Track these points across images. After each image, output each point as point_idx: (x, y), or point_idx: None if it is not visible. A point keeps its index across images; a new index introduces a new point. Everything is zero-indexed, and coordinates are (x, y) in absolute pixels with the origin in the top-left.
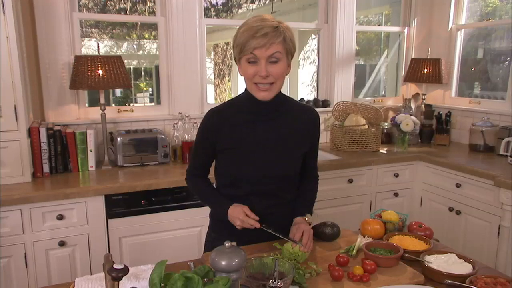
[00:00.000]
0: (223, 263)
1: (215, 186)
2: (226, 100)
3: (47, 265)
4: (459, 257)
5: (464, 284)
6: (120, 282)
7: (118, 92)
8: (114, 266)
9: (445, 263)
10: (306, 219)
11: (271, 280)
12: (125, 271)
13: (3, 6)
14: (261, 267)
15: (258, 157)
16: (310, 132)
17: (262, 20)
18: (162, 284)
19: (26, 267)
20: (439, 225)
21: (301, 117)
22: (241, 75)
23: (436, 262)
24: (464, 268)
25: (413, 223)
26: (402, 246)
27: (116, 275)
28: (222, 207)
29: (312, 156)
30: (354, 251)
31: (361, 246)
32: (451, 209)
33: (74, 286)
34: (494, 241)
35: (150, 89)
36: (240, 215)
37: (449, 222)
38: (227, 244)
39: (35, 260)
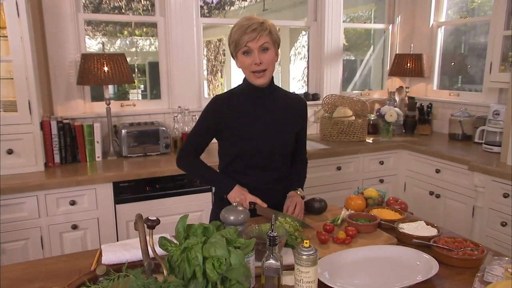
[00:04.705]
0: (232, 218)
1: (218, 167)
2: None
3: (61, 247)
4: (427, 224)
5: (428, 243)
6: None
7: (111, 89)
8: (149, 217)
9: (415, 228)
10: (298, 193)
11: (269, 231)
12: (157, 221)
13: (17, 8)
14: (259, 232)
15: (256, 134)
16: (300, 115)
17: (250, 19)
18: (184, 233)
19: (42, 249)
20: (421, 208)
21: (292, 102)
22: (239, 67)
23: (407, 228)
24: (430, 232)
25: (391, 198)
26: (380, 216)
27: (151, 224)
28: (227, 185)
29: (302, 139)
30: (339, 221)
31: (344, 217)
32: (431, 193)
33: (100, 252)
34: (469, 221)
35: (142, 86)
36: (238, 197)
37: (430, 205)
38: (234, 204)
39: (50, 242)
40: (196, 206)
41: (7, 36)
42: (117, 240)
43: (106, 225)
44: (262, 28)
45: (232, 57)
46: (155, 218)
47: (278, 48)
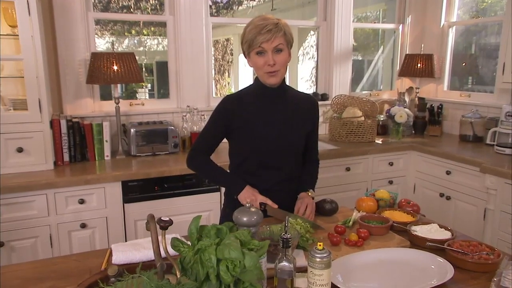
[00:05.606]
0: (245, 219)
1: (229, 168)
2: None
3: (69, 245)
4: (441, 226)
5: (443, 246)
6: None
7: (118, 88)
8: (162, 218)
9: (428, 231)
10: (310, 194)
11: (283, 233)
12: (170, 222)
13: (28, 7)
14: (270, 234)
15: (266, 134)
16: (311, 115)
17: (265, 19)
18: (197, 234)
19: (51, 247)
20: (431, 210)
21: (303, 102)
22: (251, 66)
23: (420, 231)
24: (444, 235)
25: (402, 200)
26: (392, 218)
27: (164, 225)
28: (237, 185)
29: (313, 139)
30: (350, 223)
31: (356, 219)
32: (441, 195)
33: (111, 251)
34: (481, 223)
35: (149, 85)
36: (248, 198)
37: (440, 207)
38: (247, 205)
39: (59, 240)
40: (205, 206)
41: (18, 35)
42: (126, 239)
43: (115, 224)
44: (277, 29)
45: (244, 56)
46: (167, 218)
47: (291, 48)
